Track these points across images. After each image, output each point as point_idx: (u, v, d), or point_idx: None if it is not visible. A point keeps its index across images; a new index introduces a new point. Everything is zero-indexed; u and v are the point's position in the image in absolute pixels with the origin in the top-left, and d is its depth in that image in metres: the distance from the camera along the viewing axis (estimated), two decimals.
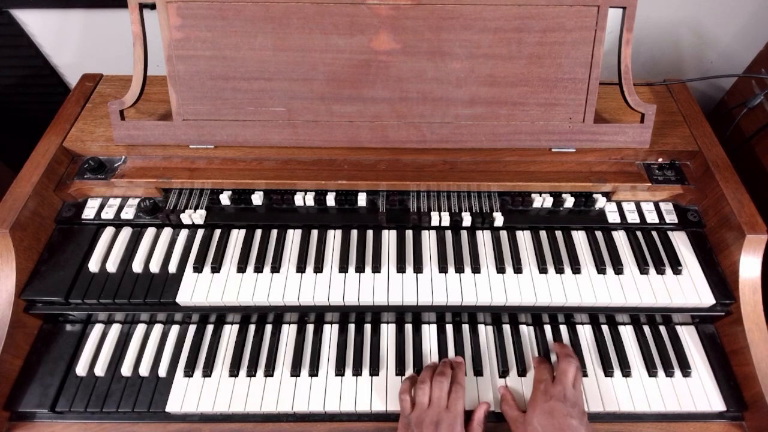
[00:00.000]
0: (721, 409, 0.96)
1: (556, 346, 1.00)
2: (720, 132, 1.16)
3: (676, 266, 1.02)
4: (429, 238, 1.06)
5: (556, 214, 1.10)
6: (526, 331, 1.05)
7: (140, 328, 1.03)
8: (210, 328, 1.03)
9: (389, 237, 1.06)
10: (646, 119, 1.05)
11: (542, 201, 1.08)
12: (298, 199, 1.08)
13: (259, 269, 1.01)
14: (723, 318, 1.03)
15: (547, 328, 1.05)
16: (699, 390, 0.97)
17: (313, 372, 0.98)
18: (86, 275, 1.00)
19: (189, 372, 0.97)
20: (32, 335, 1.00)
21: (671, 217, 1.10)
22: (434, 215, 1.06)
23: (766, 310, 0.98)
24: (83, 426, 0.94)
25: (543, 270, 1.02)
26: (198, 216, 1.06)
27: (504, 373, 0.98)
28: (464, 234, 1.07)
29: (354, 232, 1.07)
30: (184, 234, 1.07)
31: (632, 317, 1.05)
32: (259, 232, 1.07)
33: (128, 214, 1.08)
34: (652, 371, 0.98)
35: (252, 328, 1.04)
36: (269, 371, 0.97)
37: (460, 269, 1.01)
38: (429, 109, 1.04)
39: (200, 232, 1.07)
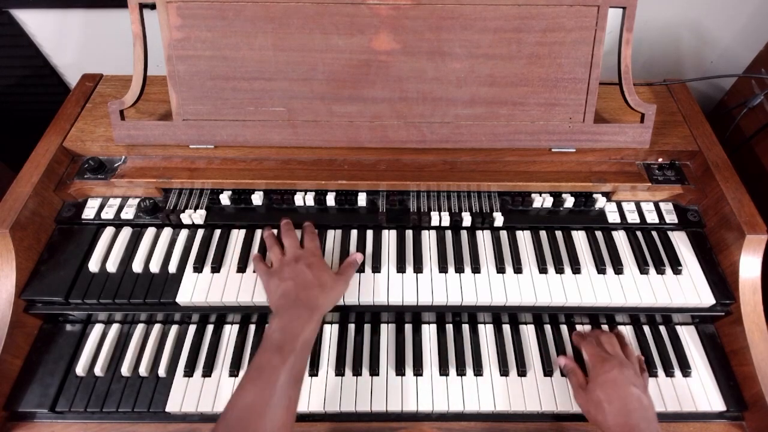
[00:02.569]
0: (721, 409, 0.96)
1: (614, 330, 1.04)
2: (720, 132, 1.16)
3: (676, 266, 1.02)
4: (429, 238, 1.06)
5: (556, 214, 1.10)
6: (526, 331, 1.05)
7: (140, 328, 1.03)
8: (210, 328, 1.04)
9: (389, 237, 1.06)
10: (646, 119, 1.05)
11: (542, 201, 1.08)
12: (298, 199, 1.08)
13: None
14: (723, 318, 1.03)
15: (547, 328, 1.05)
16: (699, 390, 0.97)
17: (313, 372, 0.98)
18: (86, 275, 1.00)
19: (189, 372, 0.97)
20: (32, 335, 1.00)
21: (671, 217, 1.10)
22: (434, 215, 1.06)
23: (766, 310, 0.98)
24: (83, 426, 0.94)
25: (543, 270, 1.02)
26: (198, 216, 1.06)
27: (504, 373, 0.98)
28: (464, 234, 1.07)
29: (354, 232, 1.07)
30: (184, 234, 1.07)
31: (632, 317, 1.05)
32: (259, 232, 1.07)
33: (128, 214, 1.08)
34: (652, 371, 0.98)
35: (252, 328, 1.04)
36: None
37: (460, 269, 1.01)
38: (429, 109, 1.04)
39: (200, 232, 1.07)
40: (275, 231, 1.04)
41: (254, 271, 1.01)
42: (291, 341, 0.81)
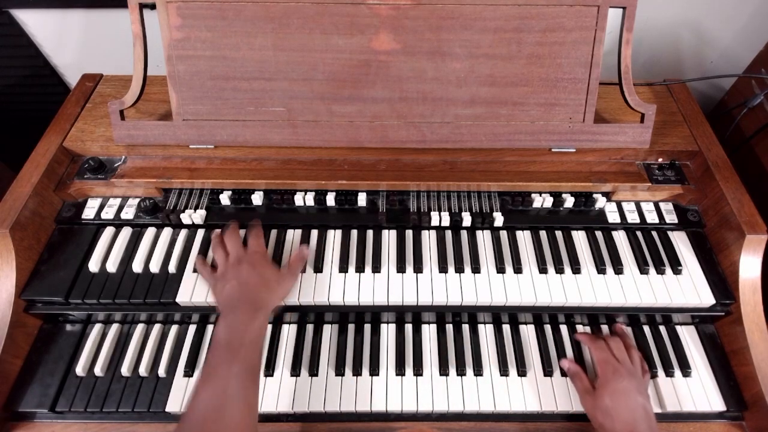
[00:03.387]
0: (721, 409, 0.96)
1: (617, 328, 1.04)
2: (720, 132, 1.16)
3: (676, 266, 1.02)
4: (429, 238, 1.06)
5: (556, 214, 1.10)
6: (526, 331, 1.05)
7: (140, 328, 1.03)
8: (210, 328, 1.03)
9: (389, 237, 1.06)
10: (646, 119, 1.05)
11: (542, 201, 1.08)
12: (298, 199, 1.08)
13: None
14: (723, 318, 1.03)
15: (547, 328, 1.05)
16: (699, 390, 0.97)
17: (313, 372, 0.98)
18: (86, 275, 1.00)
19: (189, 372, 0.97)
20: (32, 335, 1.00)
21: (671, 217, 1.10)
22: (434, 215, 1.06)
23: (766, 310, 0.98)
24: (83, 426, 0.94)
25: (543, 270, 1.02)
26: (198, 216, 1.06)
27: (504, 373, 0.98)
28: (464, 234, 1.07)
29: (354, 232, 1.07)
30: (184, 234, 1.07)
31: (632, 317, 1.05)
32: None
33: (128, 214, 1.08)
34: (652, 371, 0.98)
35: None
36: (269, 371, 0.97)
37: (460, 269, 1.01)
38: (429, 109, 1.04)
39: (200, 232, 1.07)
40: (221, 231, 1.02)
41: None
42: (237, 339, 0.82)
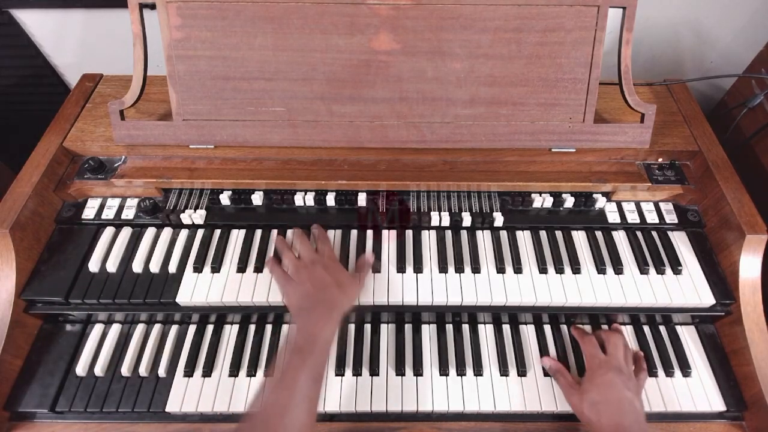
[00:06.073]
0: (721, 409, 0.96)
1: (613, 327, 1.05)
2: (720, 132, 1.16)
3: (676, 266, 1.02)
4: (429, 238, 1.06)
5: (556, 214, 1.10)
6: (526, 331, 1.05)
7: (140, 328, 1.03)
8: (210, 328, 1.03)
9: (389, 237, 1.06)
10: (646, 119, 1.05)
11: (542, 201, 1.08)
12: (298, 199, 1.08)
13: (259, 269, 1.01)
14: (723, 318, 1.03)
15: (547, 328, 1.05)
16: (699, 390, 0.97)
17: None
18: (86, 275, 1.00)
19: (189, 372, 0.97)
20: (32, 335, 1.00)
21: (671, 217, 1.10)
22: (434, 215, 1.06)
23: (766, 310, 0.98)
24: (83, 426, 0.94)
25: (543, 270, 1.02)
26: (198, 216, 1.06)
27: (504, 373, 0.98)
28: (464, 234, 1.07)
29: (354, 232, 1.07)
30: (184, 234, 1.07)
31: (632, 317, 1.05)
32: (259, 232, 1.07)
33: (128, 214, 1.08)
34: (652, 371, 0.98)
35: (252, 328, 1.04)
36: (270, 371, 0.97)
37: (460, 269, 1.01)
38: (429, 109, 1.04)
39: (200, 232, 1.07)
40: (285, 237, 1.04)
41: (254, 271, 1.01)
42: (310, 344, 0.83)
